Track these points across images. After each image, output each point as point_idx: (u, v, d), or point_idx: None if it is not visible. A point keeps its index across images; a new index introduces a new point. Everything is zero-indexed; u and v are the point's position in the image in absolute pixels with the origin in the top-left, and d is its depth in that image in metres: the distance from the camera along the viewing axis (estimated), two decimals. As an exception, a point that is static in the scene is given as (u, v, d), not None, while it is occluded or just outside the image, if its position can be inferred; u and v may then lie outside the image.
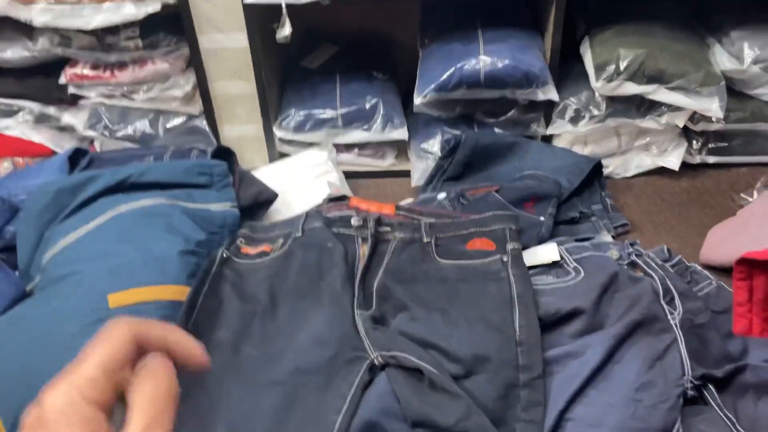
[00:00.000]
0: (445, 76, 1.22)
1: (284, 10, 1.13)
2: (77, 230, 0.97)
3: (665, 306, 0.87)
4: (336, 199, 1.08)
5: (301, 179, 1.31)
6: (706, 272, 1.01)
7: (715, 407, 0.80)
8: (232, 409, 0.81)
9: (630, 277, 0.91)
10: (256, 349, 0.86)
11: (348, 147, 1.39)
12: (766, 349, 0.87)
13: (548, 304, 0.85)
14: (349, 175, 1.36)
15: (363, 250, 0.96)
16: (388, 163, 1.40)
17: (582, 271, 0.91)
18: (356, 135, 1.35)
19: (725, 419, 0.78)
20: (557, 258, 0.95)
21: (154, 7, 1.16)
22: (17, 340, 0.81)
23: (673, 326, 0.85)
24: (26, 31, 1.26)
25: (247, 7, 1.18)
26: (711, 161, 1.33)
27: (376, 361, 0.82)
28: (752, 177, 1.30)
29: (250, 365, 0.84)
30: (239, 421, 0.79)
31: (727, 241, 1.06)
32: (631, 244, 0.97)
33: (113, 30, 1.23)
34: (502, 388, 0.78)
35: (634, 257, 0.95)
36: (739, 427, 0.78)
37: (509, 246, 0.92)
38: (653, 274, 0.91)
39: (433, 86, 1.24)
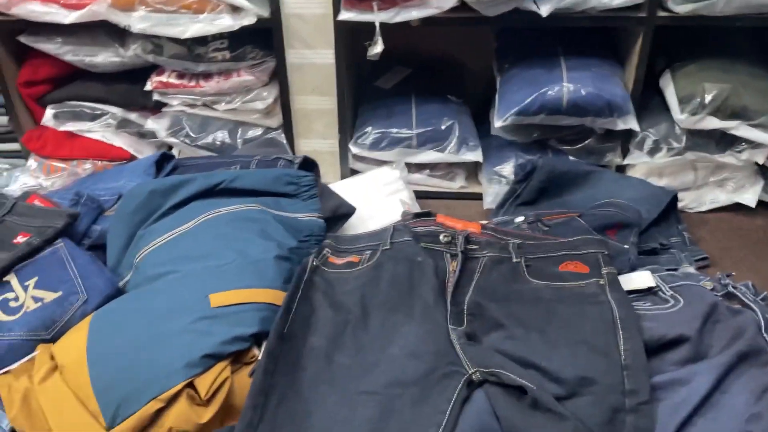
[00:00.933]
0: (527, 101, 1.24)
1: (377, 29, 1.15)
2: (171, 231, 0.98)
3: (767, 339, 0.85)
4: (422, 215, 1.09)
5: (374, 196, 1.32)
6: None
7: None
8: (326, 417, 0.80)
9: (728, 308, 0.90)
10: (349, 359, 0.86)
11: (419, 167, 1.40)
12: None
13: (651, 330, 0.84)
14: (420, 195, 1.37)
15: (452, 266, 0.96)
16: (458, 185, 1.41)
17: (681, 299, 0.89)
18: (430, 155, 1.36)
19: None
20: (652, 284, 0.93)
21: (249, 20, 1.19)
22: (121, 336, 0.81)
23: (777, 361, 0.83)
24: (118, 36, 1.30)
25: (338, 24, 1.20)
26: (787, 200, 1.33)
27: (474, 377, 0.81)
28: (829, 217, 1.29)
29: (343, 374, 0.84)
30: (334, 429, 0.79)
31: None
32: (727, 275, 0.95)
33: (202, 41, 1.26)
34: (608, 411, 0.76)
35: (731, 288, 0.93)
36: None
37: (604, 270, 0.91)
38: (754, 307, 0.90)
39: (514, 110, 1.25)
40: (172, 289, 0.87)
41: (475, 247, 0.99)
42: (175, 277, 0.89)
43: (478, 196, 1.37)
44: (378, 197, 1.32)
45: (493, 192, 1.32)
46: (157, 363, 0.78)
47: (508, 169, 1.33)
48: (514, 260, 0.96)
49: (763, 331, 0.87)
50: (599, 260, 0.93)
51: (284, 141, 1.35)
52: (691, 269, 1.10)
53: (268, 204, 1.04)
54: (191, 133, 1.35)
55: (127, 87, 1.37)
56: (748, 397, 0.78)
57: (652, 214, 1.20)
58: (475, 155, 1.35)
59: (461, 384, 0.81)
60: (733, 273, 0.97)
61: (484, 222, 1.15)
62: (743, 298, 0.92)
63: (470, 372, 0.82)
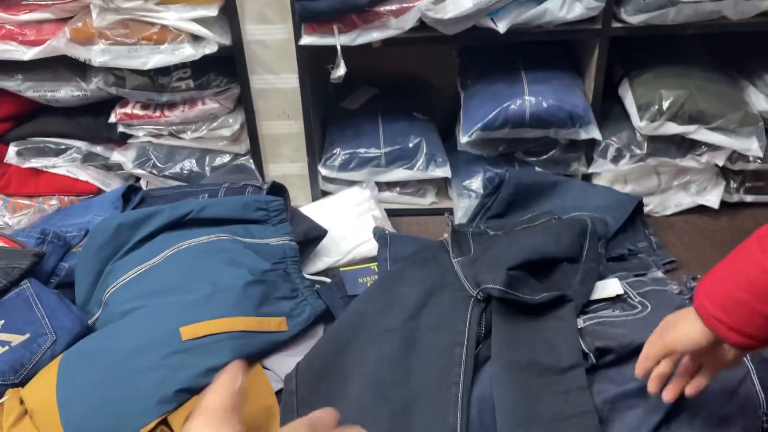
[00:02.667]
0: (491, 116, 1.25)
1: (339, 52, 1.16)
2: (140, 265, 0.97)
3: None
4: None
5: (346, 216, 1.32)
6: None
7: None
8: (360, 359, 0.87)
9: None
10: (364, 303, 0.94)
11: (389, 185, 1.40)
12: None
13: (622, 337, 0.85)
14: (391, 213, 1.38)
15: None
16: (428, 201, 1.42)
17: (648, 305, 0.91)
18: (399, 173, 1.37)
19: (805, 452, 0.78)
20: (621, 292, 0.95)
21: (210, 49, 1.19)
22: (90, 375, 0.80)
23: (745, 360, 0.85)
24: (79, 70, 1.30)
25: (300, 49, 1.21)
26: (749, 200, 1.36)
27: (479, 296, 0.91)
28: (790, 215, 1.32)
29: (367, 319, 0.91)
30: (367, 365, 0.85)
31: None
32: (693, 279, 0.97)
33: (165, 71, 1.26)
34: None
35: (696, 291, 0.95)
36: (819, 461, 0.77)
37: None
38: (719, 308, 0.91)
39: (479, 125, 1.26)
40: (141, 325, 0.87)
41: (459, 227, 1.12)
42: (145, 312, 0.88)
43: (449, 211, 1.38)
44: (350, 217, 1.32)
45: (463, 206, 1.33)
46: (129, 401, 0.77)
47: (477, 183, 1.34)
48: (491, 233, 1.13)
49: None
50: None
51: (253, 166, 1.35)
52: (659, 273, 1.12)
53: (238, 232, 1.04)
54: (158, 164, 1.35)
55: (90, 120, 1.36)
56: (718, 399, 0.80)
57: (619, 221, 1.22)
58: (444, 171, 1.36)
59: (470, 305, 0.90)
60: (699, 275, 0.99)
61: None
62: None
63: (473, 292, 0.91)
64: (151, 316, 0.87)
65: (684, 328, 0.68)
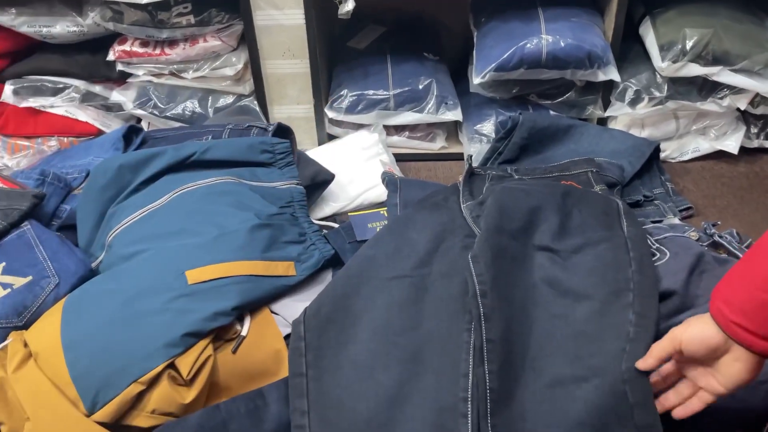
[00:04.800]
0: (506, 55, 1.20)
1: (347, -15, 1.10)
2: (143, 208, 0.95)
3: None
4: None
5: (353, 161, 1.29)
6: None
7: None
8: (370, 305, 0.83)
9: (714, 258, 0.89)
10: (372, 249, 0.90)
11: (398, 129, 1.36)
12: None
13: (640, 284, 0.83)
14: (400, 158, 1.34)
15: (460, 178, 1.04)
16: (438, 146, 1.37)
17: (667, 252, 0.88)
18: (408, 116, 1.33)
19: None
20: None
21: (211, -19, 1.13)
22: (95, 318, 0.78)
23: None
24: (75, 5, 1.24)
25: (306, -18, 1.15)
26: (769, 145, 1.32)
27: None
28: (811, 162, 1.29)
29: (376, 265, 0.88)
30: (375, 313, 0.82)
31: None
32: (713, 225, 0.94)
33: (165, 6, 1.20)
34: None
35: (716, 238, 0.92)
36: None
37: (597, 188, 1.00)
38: (740, 255, 0.89)
39: (493, 65, 1.21)
40: (146, 268, 0.84)
41: (480, 171, 1.07)
42: (150, 255, 0.86)
43: (460, 156, 1.35)
44: (357, 162, 1.28)
45: (474, 151, 1.29)
46: (135, 345, 0.75)
47: (488, 127, 1.30)
48: (516, 177, 1.05)
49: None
50: (590, 179, 1.07)
51: (257, 108, 1.31)
52: (676, 220, 1.09)
53: (243, 175, 1.00)
54: (159, 104, 1.30)
55: (88, 58, 1.31)
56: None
57: (635, 166, 1.19)
58: (455, 114, 1.32)
59: None
60: (719, 222, 0.96)
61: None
62: (729, 247, 0.92)
63: None
64: (156, 260, 0.85)
65: (695, 327, 0.62)
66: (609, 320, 0.78)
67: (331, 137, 1.38)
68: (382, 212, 1.00)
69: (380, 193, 1.20)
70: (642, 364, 0.69)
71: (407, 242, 0.90)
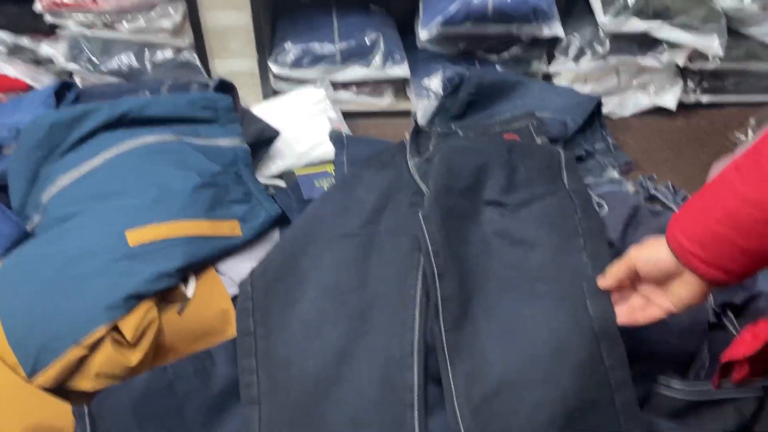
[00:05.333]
0: (452, 9, 1.19)
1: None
2: (78, 167, 0.91)
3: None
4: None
5: (299, 118, 1.26)
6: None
7: (734, 332, 0.83)
8: (317, 264, 0.83)
9: (650, 210, 0.92)
10: (326, 209, 0.90)
11: (345, 85, 1.34)
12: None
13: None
14: (347, 115, 1.32)
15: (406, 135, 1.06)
16: (386, 102, 1.36)
17: (605, 205, 0.91)
18: (355, 71, 1.31)
19: (745, 343, 0.81)
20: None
21: (144, -74, 1.07)
22: (33, 282, 0.76)
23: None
24: (-5, -49, 1.15)
25: (245, -71, 1.10)
26: (705, 101, 1.36)
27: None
28: (744, 116, 1.33)
29: (324, 224, 0.88)
30: (326, 273, 0.82)
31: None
32: (649, 178, 0.98)
33: (94, -48, 1.13)
34: None
35: (652, 191, 0.96)
36: (756, 351, 0.81)
37: (538, 140, 1.02)
38: (674, 207, 0.92)
39: (439, 19, 1.20)
40: (84, 230, 0.82)
41: (425, 127, 1.06)
42: (88, 217, 0.83)
43: (408, 113, 1.34)
44: (304, 118, 1.26)
45: (422, 107, 1.29)
46: (74, 308, 0.73)
47: (436, 82, 1.29)
48: (461, 134, 1.04)
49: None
50: (532, 132, 1.09)
51: (198, 62, 1.26)
52: (615, 174, 1.12)
53: (185, 132, 0.97)
54: (93, 58, 1.24)
55: (15, 8, 1.22)
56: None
57: (578, 122, 1.21)
58: (402, 69, 1.30)
59: None
60: (655, 175, 1.00)
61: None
62: (664, 200, 0.95)
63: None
64: (94, 221, 0.82)
65: (650, 248, 0.65)
66: (563, 263, 0.80)
67: (277, 93, 1.35)
68: (329, 170, 0.99)
69: (328, 150, 1.19)
70: (601, 282, 0.71)
71: (355, 200, 0.90)
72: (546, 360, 0.71)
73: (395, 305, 0.81)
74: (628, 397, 0.69)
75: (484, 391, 0.71)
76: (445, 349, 0.75)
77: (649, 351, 0.76)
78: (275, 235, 0.95)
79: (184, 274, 0.81)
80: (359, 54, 1.28)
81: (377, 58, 1.29)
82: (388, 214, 0.89)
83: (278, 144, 1.16)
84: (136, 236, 0.80)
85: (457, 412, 0.71)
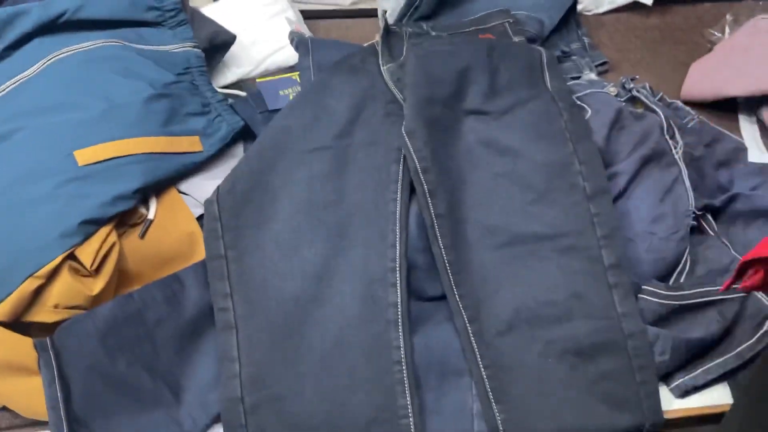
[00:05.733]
0: None
1: None
2: (11, 79, 0.81)
3: (668, 140, 0.86)
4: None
5: (255, 19, 1.16)
6: (687, 108, 1.00)
7: (714, 235, 0.83)
8: (288, 180, 0.79)
9: (632, 113, 0.89)
10: (294, 121, 0.84)
11: (304, -19, 1.23)
12: (749, 179, 0.89)
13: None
14: (307, 15, 1.22)
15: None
16: (349, 0, 1.26)
17: (588, 108, 0.87)
18: (314, -34, 1.19)
19: (724, 245, 0.81)
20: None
21: None
22: (-31, 209, 0.68)
23: (677, 159, 0.85)
24: None
25: None
26: (680, -4, 1.30)
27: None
28: (719, 12, 1.29)
29: (293, 137, 0.82)
30: (298, 189, 0.78)
31: (709, 77, 1.05)
32: (631, 79, 0.94)
33: None
34: None
35: (635, 93, 0.92)
36: (734, 252, 0.81)
37: (515, 39, 0.98)
38: (657, 109, 0.89)
39: None
40: (25, 150, 0.73)
41: (395, 27, 0.97)
42: (27, 135, 0.74)
43: (373, 13, 1.24)
44: (260, 20, 1.15)
45: (389, 6, 1.19)
46: (25, 237, 0.67)
47: (402, -23, 1.19)
48: (433, 34, 0.99)
49: (665, 132, 0.87)
50: (507, 31, 1.03)
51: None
52: (594, 75, 1.08)
53: (128, 37, 0.87)
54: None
55: None
56: (652, 200, 0.80)
57: (554, 20, 1.14)
58: (365, -37, 1.19)
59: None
60: (636, 76, 0.96)
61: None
62: (646, 101, 0.92)
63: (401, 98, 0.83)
64: (35, 139, 0.74)
65: None
66: (554, 171, 0.77)
67: (228, -8, 1.22)
68: (293, 77, 0.91)
69: (288, 55, 1.10)
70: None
71: (325, 110, 0.83)
72: (561, 303, 0.70)
73: (374, 220, 0.77)
74: (641, 344, 0.69)
75: (498, 325, 0.71)
76: (447, 267, 0.73)
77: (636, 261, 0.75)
78: (239, 150, 0.88)
79: (143, 195, 0.75)
80: (318, -54, 1.17)
81: (338, -49, 1.17)
82: (361, 124, 0.83)
83: (234, 49, 1.06)
84: (86, 155, 0.72)
85: (473, 341, 0.70)
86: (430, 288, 0.77)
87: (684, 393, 0.71)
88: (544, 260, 0.74)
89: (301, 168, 0.80)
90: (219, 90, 0.95)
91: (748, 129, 1.03)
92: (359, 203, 0.78)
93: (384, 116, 0.84)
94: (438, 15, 1.18)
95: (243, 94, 0.95)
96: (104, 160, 0.73)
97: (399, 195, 0.78)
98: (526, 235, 0.75)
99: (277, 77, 0.91)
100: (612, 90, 0.94)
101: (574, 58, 1.14)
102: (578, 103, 0.88)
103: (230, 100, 0.90)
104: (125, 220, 0.74)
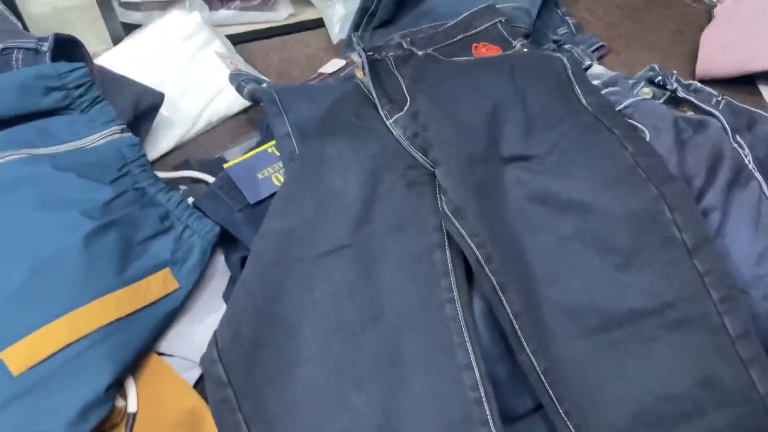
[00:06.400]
0: None
1: None
2: None
3: (739, 149, 0.72)
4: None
5: (174, 61, 0.91)
6: (708, 88, 0.87)
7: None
8: (306, 302, 0.58)
9: (685, 120, 0.74)
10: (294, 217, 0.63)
11: (225, 0, 0.98)
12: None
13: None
14: (236, 41, 0.98)
15: (359, 73, 0.78)
16: (284, 14, 1.02)
17: (643, 126, 0.71)
18: (235, -21, 0.95)
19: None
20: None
21: None
22: None
23: (753, 171, 0.71)
24: None
25: None
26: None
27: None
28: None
29: (298, 240, 0.61)
30: (322, 315, 0.58)
31: (729, 50, 0.92)
32: (672, 75, 0.78)
33: None
34: None
35: (681, 93, 0.77)
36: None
37: (516, 42, 0.82)
38: (713, 111, 0.75)
39: None
40: None
41: (371, 53, 0.75)
42: None
43: (316, 24, 1.02)
44: (182, 61, 0.91)
45: (338, 15, 0.97)
46: None
47: (349, -21, 0.97)
48: (420, 53, 0.77)
49: (731, 138, 0.73)
50: (503, 33, 0.86)
51: (1, 5, 0.84)
52: (602, 68, 0.92)
53: (31, 140, 0.61)
54: None
55: None
56: (747, 233, 0.66)
57: (536, 4, 0.97)
58: (301, -32, 0.96)
59: (437, 184, 0.62)
60: (674, 72, 0.80)
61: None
62: (696, 102, 0.77)
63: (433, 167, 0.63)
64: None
65: None
66: (640, 224, 0.61)
67: (130, 28, 0.95)
68: (269, 150, 0.69)
69: (232, 100, 0.87)
70: None
71: (330, 195, 0.63)
72: (687, 394, 0.54)
73: (430, 333, 0.59)
74: None
75: None
76: (543, 379, 0.55)
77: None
78: (218, 265, 0.65)
79: (119, 387, 0.52)
80: (238, -46, 0.92)
81: (264, -43, 0.93)
82: (381, 204, 0.63)
83: (163, 109, 0.82)
84: (18, 358, 0.48)
85: None
86: (519, 404, 0.60)
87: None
88: (651, 343, 0.59)
89: (318, 281, 0.59)
90: (166, 176, 0.72)
91: (776, 102, 0.91)
92: (405, 313, 0.59)
93: (406, 188, 0.64)
94: (399, 18, 0.98)
95: (207, 178, 0.71)
96: (49, 357, 0.49)
97: (456, 293, 0.60)
98: (621, 314, 0.59)
99: (248, 155, 0.67)
100: (646, 92, 0.78)
101: (567, 47, 0.97)
102: (631, 122, 0.71)
103: (190, 200, 0.66)
104: (99, 425, 0.51)
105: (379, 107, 0.68)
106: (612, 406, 0.56)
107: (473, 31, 0.85)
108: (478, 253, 0.57)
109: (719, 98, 0.83)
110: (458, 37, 0.85)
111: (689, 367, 0.57)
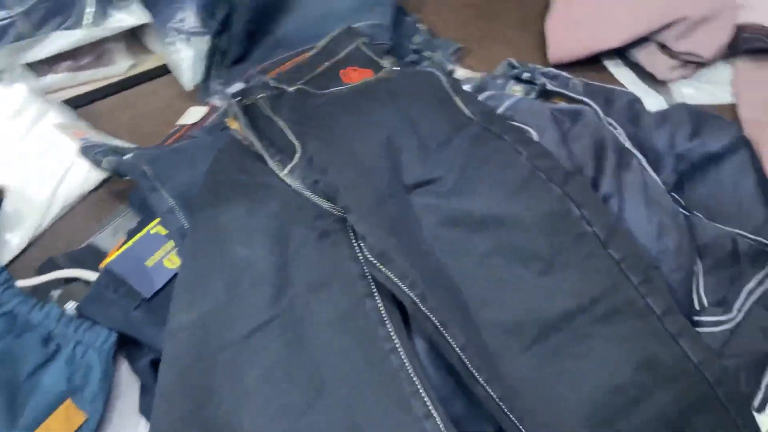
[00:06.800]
0: None
1: None
2: None
3: (613, 130, 0.75)
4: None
5: (4, 142, 0.79)
6: (564, 73, 0.91)
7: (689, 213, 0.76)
8: (239, 398, 0.52)
9: (559, 111, 0.76)
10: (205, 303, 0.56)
11: (52, 63, 0.86)
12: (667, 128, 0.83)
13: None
14: (75, 104, 0.87)
15: (232, 123, 0.68)
16: (123, 66, 0.92)
17: (530, 129, 0.71)
18: (59, 40, 0.83)
19: (702, 219, 0.75)
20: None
21: None
22: None
23: (630, 148, 0.75)
24: None
25: None
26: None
27: None
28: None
29: (216, 328, 0.55)
30: (260, 399, 0.52)
31: (575, 33, 0.97)
32: (543, 72, 0.80)
33: None
34: None
35: (550, 86, 0.79)
36: (720, 226, 0.75)
37: (384, 62, 0.79)
38: (584, 99, 0.78)
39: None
40: None
41: (239, 98, 0.70)
42: None
43: (163, 73, 0.93)
44: (14, 141, 0.79)
45: (186, 59, 0.89)
46: None
47: (191, 20, 0.89)
48: (291, 89, 0.73)
49: (603, 122, 0.76)
50: (368, 54, 0.83)
51: None
52: (462, 71, 0.93)
53: None
54: None
55: None
56: (641, 212, 0.69)
57: (387, 15, 0.96)
58: (134, 15, 0.87)
59: (350, 230, 0.59)
60: (537, 65, 0.83)
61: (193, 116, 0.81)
62: (565, 92, 0.80)
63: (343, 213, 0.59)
64: None
65: None
66: (551, 226, 0.61)
67: (-60, 113, 0.81)
68: (152, 231, 0.61)
69: (85, 175, 0.78)
70: None
71: (239, 268, 0.57)
72: (631, 381, 0.55)
73: (381, 390, 0.55)
74: (731, 388, 0.57)
75: None
76: (503, 407, 0.53)
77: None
78: (123, 373, 0.57)
79: None
80: (57, 12, 0.81)
81: (89, 10, 0.83)
82: (295, 264, 0.58)
83: (12, 204, 0.71)
84: None
85: None
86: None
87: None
88: (588, 340, 0.60)
89: (247, 367, 0.54)
90: (31, 284, 0.61)
91: (624, 75, 0.97)
92: (349, 376, 0.55)
93: (318, 240, 0.59)
94: (253, 51, 0.92)
95: (82, 273, 0.61)
96: None
97: (397, 341, 0.57)
98: (555, 318, 0.60)
99: (130, 244, 0.59)
100: (517, 90, 0.80)
101: (426, 54, 0.97)
102: (516, 125, 0.72)
103: (70, 306, 0.57)
104: None
105: (268, 159, 0.62)
106: (568, 411, 0.56)
107: (337, 57, 0.82)
108: (412, 295, 0.54)
109: (575, 81, 0.86)
110: (325, 65, 0.81)
111: (627, 354, 0.59)
